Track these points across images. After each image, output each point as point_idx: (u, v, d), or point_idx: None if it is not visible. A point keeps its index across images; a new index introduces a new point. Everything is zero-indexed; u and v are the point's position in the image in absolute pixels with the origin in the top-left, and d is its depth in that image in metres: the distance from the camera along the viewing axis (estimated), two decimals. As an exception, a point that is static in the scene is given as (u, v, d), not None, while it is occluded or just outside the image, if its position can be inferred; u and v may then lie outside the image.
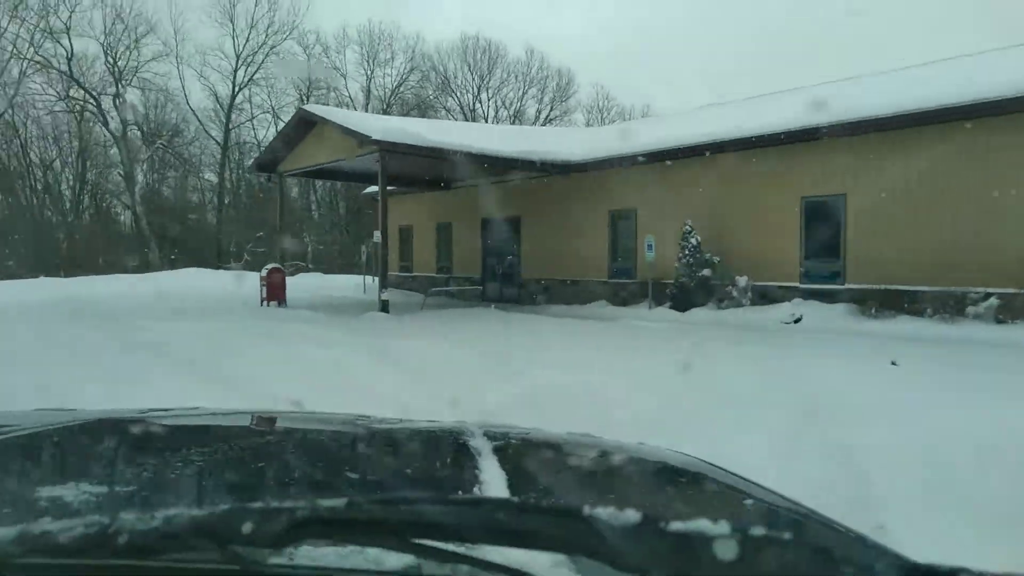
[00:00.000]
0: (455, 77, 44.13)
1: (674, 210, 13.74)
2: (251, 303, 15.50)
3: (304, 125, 15.55)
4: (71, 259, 31.74)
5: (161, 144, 39.72)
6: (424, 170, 16.76)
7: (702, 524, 0.63)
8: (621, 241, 15.49)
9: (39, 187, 37.55)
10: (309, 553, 0.71)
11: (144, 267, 32.43)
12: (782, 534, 0.82)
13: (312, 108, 16.22)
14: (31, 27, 33.76)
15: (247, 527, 0.64)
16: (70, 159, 38.61)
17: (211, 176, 40.28)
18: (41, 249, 32.50)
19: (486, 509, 0.72)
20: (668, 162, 13.91)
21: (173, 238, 36.61)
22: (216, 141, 38.79)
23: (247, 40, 38.60)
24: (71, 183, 39.12)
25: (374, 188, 22.14)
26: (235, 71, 38.48)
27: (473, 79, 44.40)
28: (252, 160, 18.56)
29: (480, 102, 44.24)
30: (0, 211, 36.68)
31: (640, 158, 14.16)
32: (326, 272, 30.69)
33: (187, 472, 1.08)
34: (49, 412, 1.45)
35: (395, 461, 1.29)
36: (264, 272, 15.66)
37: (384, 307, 13.33)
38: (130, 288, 19.77)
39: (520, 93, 45.43)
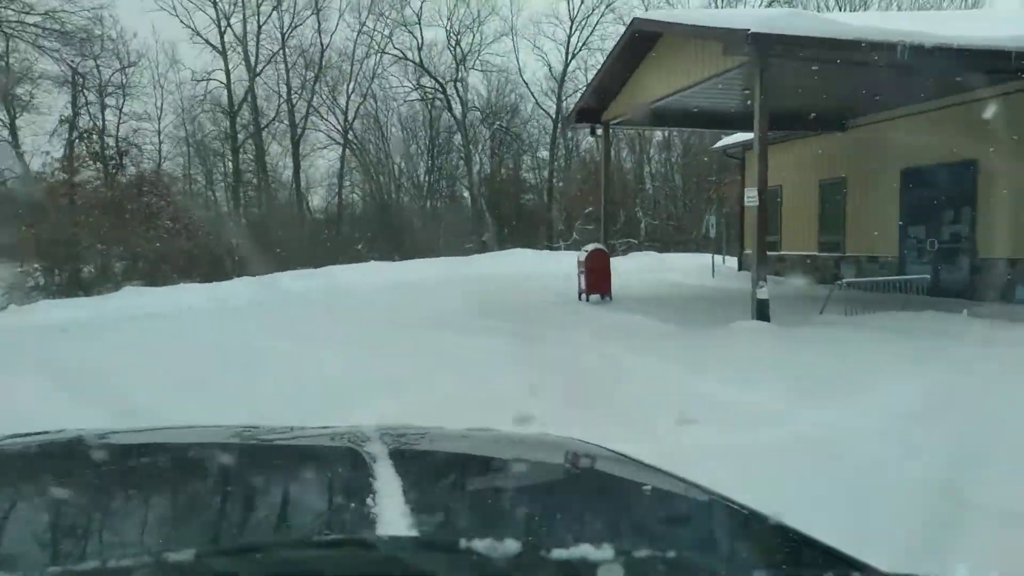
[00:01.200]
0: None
1: None
2: (567, 295, 11.78)
3: (637, 46, 11.11)
4: (419, 244, 32.48)
5: (499, 125, 39.30)
6: (811, 97, 11.16)
7: (584, 549, 0.61)
8: None
9: (397, 174, 39.80)
10: None
11: (480, 249, 31.74)
12: (683, 522, 0.93)
13: (651, 15, 11.74)
14: (388, 21, 35.13)
15: None
16: (424, 147, 40.26)
17: (544, 153, 38.76)
18: (390, 234, 33.81)
19: (357, 547, 0.67)
20: None
21: (507, 219, 35.70)
22: (548, 114, 36.85)
23: (582, 1, 35.88)
24: (425, 170, 40.85)
25: (729, 140, 17.01)
26: (568, 37, 36.06)
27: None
28: (571, 110, 14.69)
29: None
30: (361, 199, 39.66)
31: None
32: (661, 250, 26.35)
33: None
34: None
35: (273, 483, 1.12)
36: (583, 256, 11.70)
37: (761, 310, 8.32)
38: (449, 272, 17.69)
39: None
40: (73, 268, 19.98)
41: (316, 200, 38.79)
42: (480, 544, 0.61)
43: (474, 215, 36.99)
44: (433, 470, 1.22)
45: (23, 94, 25.19)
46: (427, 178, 40.08)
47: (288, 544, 0.68)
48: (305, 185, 36.29)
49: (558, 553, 0.61)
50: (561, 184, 36.29)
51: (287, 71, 33.10)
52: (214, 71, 31.15)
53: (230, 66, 31.01)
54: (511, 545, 0.61)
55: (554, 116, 36.08)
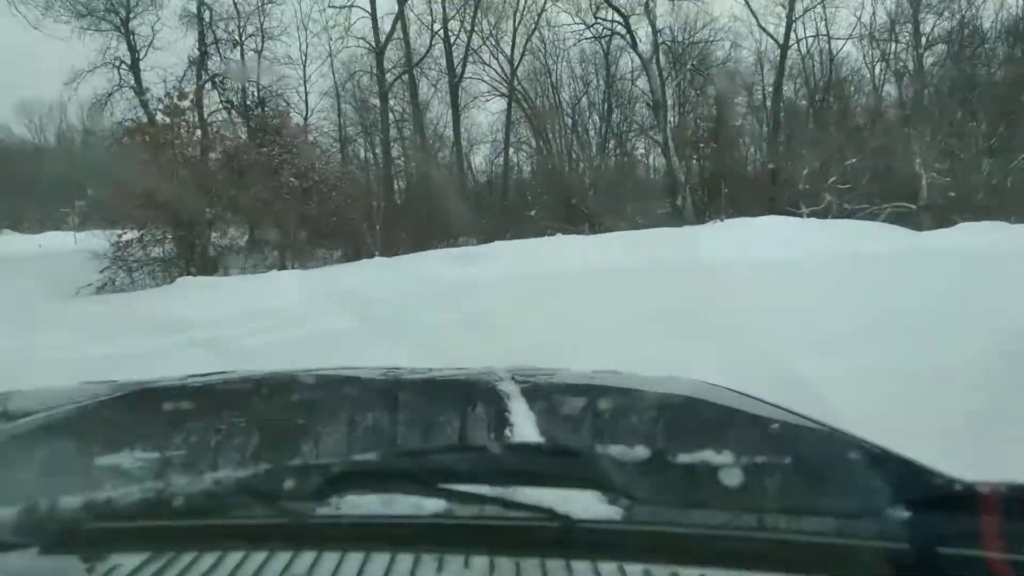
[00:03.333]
0: None
1: None
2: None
3: None
4: (600, 212, 26.10)
5: (693, 65, 31.71)
6: None
7: (706, 454, 0.67)
8: None
9: (567, 129, 33.40)
10: (348, 504, 0.74)
11: (676, 217, 24.66)
12: (798, 457, 0.95)
13: None
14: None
15: (289, 484, 0.70)
16: (596, 95, 33.63)
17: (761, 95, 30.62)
18: (565, 201, 27.52)
19: (506, 453, 0.77)
20: None
21: (709, 181, 28.19)
22: (774, 39, 28.46)
23: None
24: (596, 124, 34.25)
25: None
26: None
27: None
28: None
29: None
30: (529, 159, 33.70)
31: None
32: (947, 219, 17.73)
33: (229, 434, 1.16)
34: (93, 384, 1.43)
35: (424, 411, 1.35)
36: None
37: None
38: (665, 253, 10.67)
39: None
40: (180, 235, 15.26)
41: (477, 160, 33.34)
42: (611, 450, 0.68)
43: (667, 175, 29.80)
44: (562, 402, 1.32)
45: (144, 30, 21.30)
46: (603, 133, 33.38)
47: (427, 451, 0.76)
48: (467, 143, 30.82)
49: (681, 458, 0.66)
50: (784, 133, 28.03)
51: (443, 2, 27.50)
52: (357, -4, 25.82)
53: (375, -9, 25.59)
54: (640, 451, 0.67)
55: (782, 40, 27.76)
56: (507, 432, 1.00)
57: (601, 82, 33.41)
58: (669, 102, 31.02)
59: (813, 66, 28.45)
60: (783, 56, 27.31)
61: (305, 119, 25.90)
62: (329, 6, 25.27)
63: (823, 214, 20.47)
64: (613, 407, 1.28)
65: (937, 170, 20.01)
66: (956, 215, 19.65)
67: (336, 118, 27.89)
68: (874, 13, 27.51)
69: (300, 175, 15.87)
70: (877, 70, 28.11)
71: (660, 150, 30.62)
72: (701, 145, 29.87)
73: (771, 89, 29.07)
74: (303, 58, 26.26)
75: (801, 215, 21.14)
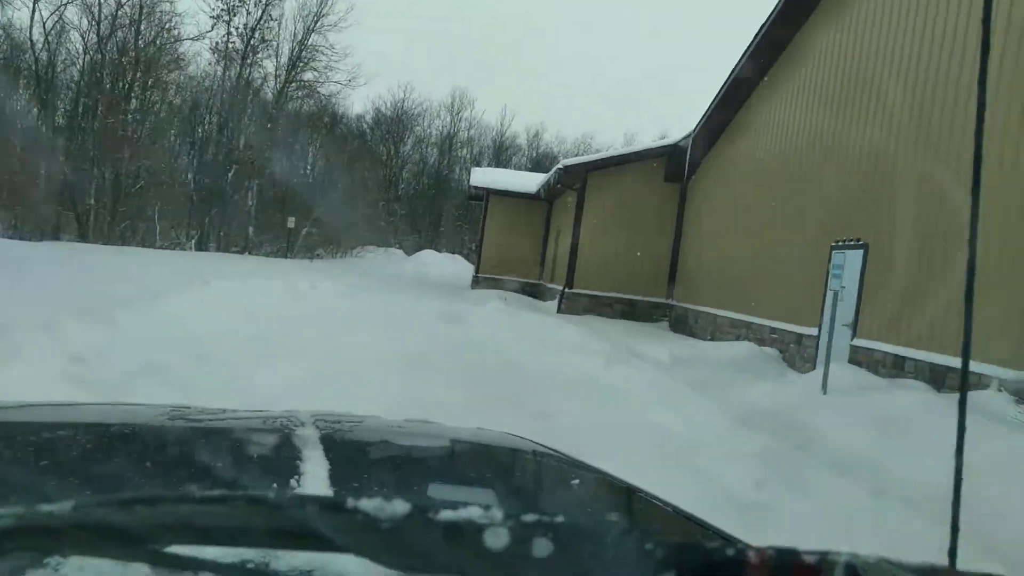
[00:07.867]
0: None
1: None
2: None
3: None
4: None
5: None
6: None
7: (475, 512, 0.60)
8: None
9: None
10: (26, 567, 0.61)
11: None
12: (605, 515, 1.00)
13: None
14: None
15: None
16: None
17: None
18: None
19: (255, 507, 0.65)
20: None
21: None
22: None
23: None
24: None
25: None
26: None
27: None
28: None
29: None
30: None
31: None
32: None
33: None
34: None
35: (187, 461, 1.15)
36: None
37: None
38: None
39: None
40: None
41: None
42: (374, 508, 0.60)
43: None
44: (359, 453, 1.25)
45: None
46: None
47: (187, 499, 0.66)
48: None
49: (445, 517, 0.60)
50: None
51: None
52: None
53: None
54: (406, 509, 0.60)
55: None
56: (285, 483, 0.90)
57: None
58: None
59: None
60: None
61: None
62: None
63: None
64: (407, 460, 1.22)
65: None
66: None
67: None
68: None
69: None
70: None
71: None
72: None
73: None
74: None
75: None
